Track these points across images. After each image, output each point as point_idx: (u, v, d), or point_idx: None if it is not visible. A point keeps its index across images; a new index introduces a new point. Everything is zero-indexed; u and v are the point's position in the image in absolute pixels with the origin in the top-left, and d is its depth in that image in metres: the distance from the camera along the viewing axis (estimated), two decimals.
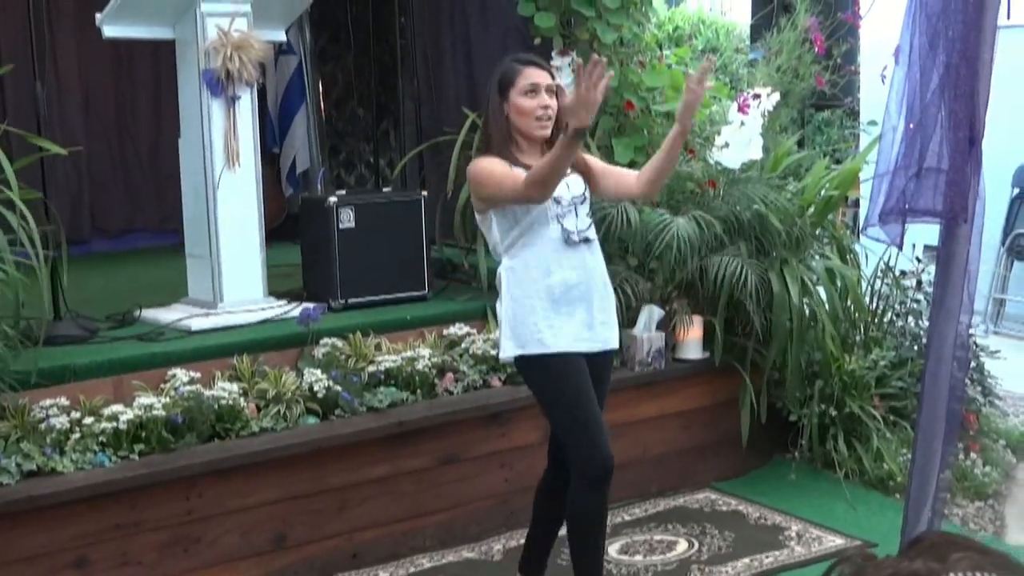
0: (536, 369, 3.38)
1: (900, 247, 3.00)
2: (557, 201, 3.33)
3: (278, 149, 7.15)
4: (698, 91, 3.28)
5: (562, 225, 3.34)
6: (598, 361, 3.43)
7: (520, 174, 3.23)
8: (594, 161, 3.56)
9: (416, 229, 4.90)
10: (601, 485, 3.35)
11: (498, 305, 3.46)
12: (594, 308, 3.39)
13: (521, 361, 3.40)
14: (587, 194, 3.44)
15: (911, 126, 2.66)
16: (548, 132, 3.37)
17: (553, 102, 3.36)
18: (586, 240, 3.39)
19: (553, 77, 3.43)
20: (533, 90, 3.34)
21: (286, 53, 6.92)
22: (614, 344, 3.49)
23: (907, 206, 2.67)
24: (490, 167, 3.31)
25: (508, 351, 3.39)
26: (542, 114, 3.34)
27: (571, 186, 3.39)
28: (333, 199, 4.74)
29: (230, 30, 4.37)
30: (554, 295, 3.32)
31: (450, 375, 4.35)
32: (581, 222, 3.39)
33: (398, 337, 4.47)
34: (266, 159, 5.77)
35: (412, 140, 6.47)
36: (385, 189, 5.62)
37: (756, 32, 5.80)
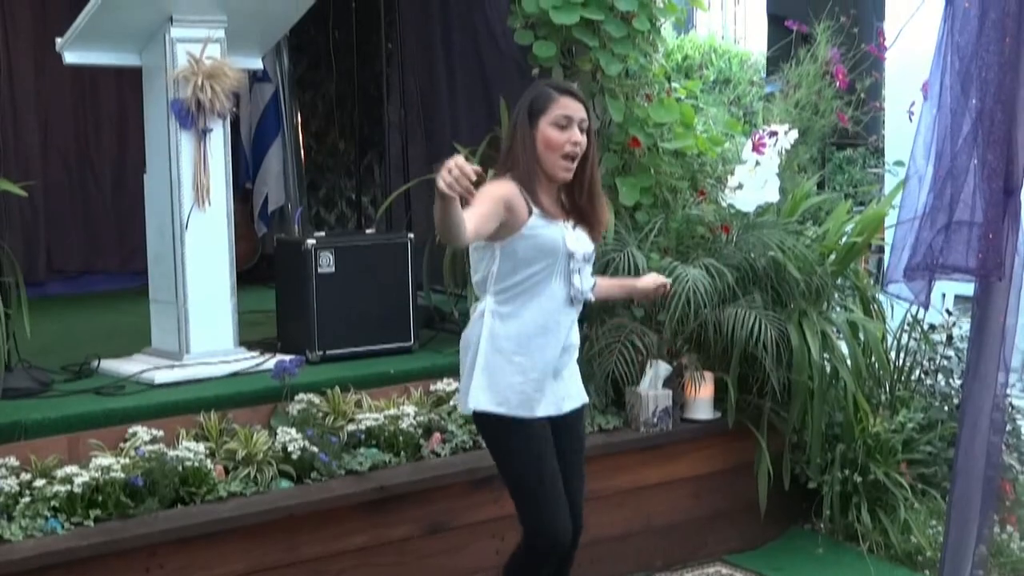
0: (506, 431, 3.37)
1: (926, 306, 2.98)
2: (571, 255, 3.34)
3: (251, 184, 7.17)
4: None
5: (571, 282, 3.36)
6: (571, 418, 3.48)
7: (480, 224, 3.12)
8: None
9: (402, 274, 4.90)
10: (546, 559, 3.37)
11: (466, 344, 3.41)
12: (567, 369, 3.46)
13: (491, 418, 3.35)
14: (594, 255, 3.46)
15: (940, 174, 2.65)
16: (570, 175, 3.34)
17: (583, 139, 3.32)
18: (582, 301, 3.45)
19: (588, 112, 3.38)
20: (566, 124, 3.30)
21: (261, 81, 6.96)
22: (585, 397, 3.57)
23: (936, 262, 2.66)
24: (495, 193, 3.19)
25: (482, 403, 3.33)
26: (570, 151, 3.29)
27: (581, 241, 3.40)
28: (311, 241, 4.75)
29: (202, 57, 4.39)
30: (546, 356, 3.35)
31: (437, 435, 4.33)
32: (586, 281, 3.43)
33: (380, 393, 4.46)
34: (238, 195, 5.78)
35: (398, 176, 6.49)
36: (368, 230, 5.63)
37: (773, 64, 5.85)
